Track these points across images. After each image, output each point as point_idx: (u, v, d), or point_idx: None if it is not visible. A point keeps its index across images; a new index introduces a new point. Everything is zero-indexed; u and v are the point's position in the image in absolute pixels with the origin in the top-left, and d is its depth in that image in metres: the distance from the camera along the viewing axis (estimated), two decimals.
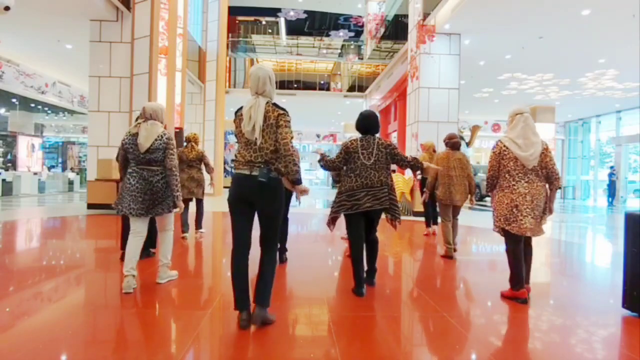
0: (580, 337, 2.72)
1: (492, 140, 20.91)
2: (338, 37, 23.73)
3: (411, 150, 10.32)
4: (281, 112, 2.54)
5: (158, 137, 3.32)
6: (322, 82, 21.26)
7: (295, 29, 23.56)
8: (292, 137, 2.55)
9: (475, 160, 21.97)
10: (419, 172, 6.79)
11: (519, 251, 3.33)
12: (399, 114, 13.98)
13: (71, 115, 18.23)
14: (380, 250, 3.77)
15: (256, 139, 2.50)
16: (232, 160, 2.66)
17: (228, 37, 17.58)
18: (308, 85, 20.36)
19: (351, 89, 19.58)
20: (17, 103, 15.03)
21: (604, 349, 2.55)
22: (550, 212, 3.33)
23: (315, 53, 22.14)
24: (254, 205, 2.58)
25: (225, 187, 16.38)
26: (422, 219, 7.35)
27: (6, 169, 14.51)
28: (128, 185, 3.32)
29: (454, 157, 4.97)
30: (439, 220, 5.43)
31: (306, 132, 26.55)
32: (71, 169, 19.55)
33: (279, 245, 3.64)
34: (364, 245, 3.55)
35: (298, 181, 2.58)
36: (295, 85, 19.84)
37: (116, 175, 8.27)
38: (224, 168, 18.13)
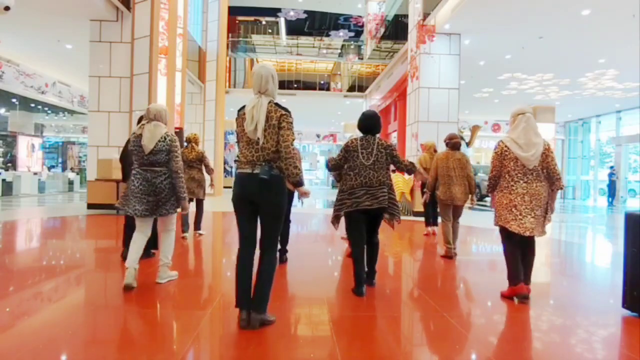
0: (580, 337, 2.72)
1: (492, 140, 20.91)
2: (338, 37, 23.74)
3: (411, 150, 10.32)
4: (284, 112, 2.55)
5: (161, 138, 3.34)
6: (322, 82, 21.26)
7: (295, 29, 23.56)
8: (293, 139, 2.57)
9: (475, 160, 21.96)
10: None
11: (514, 248, 3.35)
12: (399, 114, 13.98)
13: (71, 115, 18.23)
14: (380, 250, 3.77)
15: (258, 138, 2.51)
16: (235, 161, 2.68)
17: (228, 37, 17.58)
18: (308, 85, 20.36)
19: (351, 89, 19.58)
20: (17, 103, 15.03)
21: (604, 349, 2.55)
22: (552, 210, 3.34)
23: (315, 53, 22.14)
24: (256, 204, 2.58)
25: (225, 187, 16.38)
26: (422, 219, 7.35)
27: (6, 169, 14.51)
28: (132, 187, 3.35)
29: (453, 157, 4.98)
30: (439, 220, 5.45)
31: (306, 132, 26.54)
32: (71, 169, 19.54)
33: (279, 246, 3.65)
34: (365, 247, 3.56)
35: (299, 183, 2.60)
36: (295, 85, 19.84)
37: (116, 175, 8.30)
38: (224, 168, 18.13)
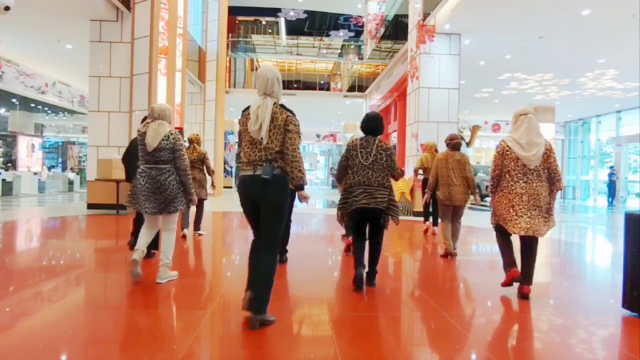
0: (580, 337, 2.72)
1: (492, 140, 20.91)
2: (338, 37, 23.73)
3: (411, 150, 10.32)
4: (289, 114, 2.59)
5: (165, 136, 3.39)
6: (322, 82, 21.27)
7: (295, 29, 23.55)
8: (299, 142, 2.63)
9: (475, 160, 21.95)
10: (421, 173, 6.87)
11: (506, 240, 3.52)
12: (399, 114, 13.98)
13: (71, 115, 18.22)
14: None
15: (262, 138, 2.53)
16: (238, 162, 2.71)
17: (228, 37, 17.58)
18: (308, 85, 20.36)
19: (351, 89, 19.58)
20: (17, 103, 15.02)
21: (604, 349, 2.55)
22: (552, 209, 3.38)
23: (315, 53, 22.14)
24: (259, 204, 2.59)
25: (225, 187, 16.39)
26: (422, 219, 7.36)
27: (6, 169, 14.50)
28: (139, 185, 3.44)
29: (453, 158, 4.98)
30: (440, 221, 5.46)
31: (306, 132, 26.53)
32: (71, 169, 19.54)
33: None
34: (368, 246, 3.62)
35: (301, 187, 2.65)
36: (295, 85, 19.83)
37: (116, 175, 8.30)
38: (224, 168, 18.13)
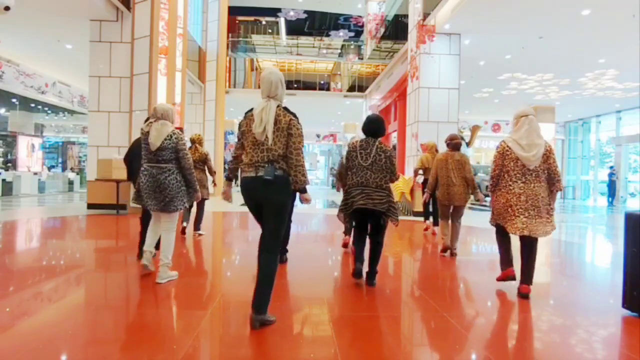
0: (580, 337, 2.72)
1: (492, 140, 20.90)
2: (338, 37, 23.73)
3: (411, 150, 10.32)
4: (292, 117, 2.66)
5: (168, 136, 3.47)
6: (322, 82, 21.25)
7: (295, 29, 23.54)
8: (302, 145, 2.70)
9: (475, 160, 21.95)
10: (420, 173, 6.90)
11: (504, 240, 3.60)
12: (399, 114, 13.98)
13: (71, 115, 18.21)
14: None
15: (266, 139, 2.58)
16: (238, 162, 2.76)
17: (228, 37, 17.57)
18: (308, 85, 20.36)
19: (351, 89, 19.57)
20: (17, 103, 15.02)
21: (604, 349, 2.55)
22: (552, 210, 3.40)
23: (315, 53, 22.13)
24: (261, 204, 2.64)
25: None
26: (422, 218, 7.36)
27: (6, 169, 14.50)
28: (141, 183, 3.56)
29: (452, 158, 4.99)
30: (439, 220, 5.48)
31: (306, 132, 26.31)
32: (71, 169, 19.53)
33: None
34: (369, 245, 3.66)
35: (304, 190, 2.72)
36: (295, 85, 19.82)
37: (116, 175, 8.30)
38: (224, 168, 18.13)
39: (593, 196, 19.60)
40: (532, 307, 3.21)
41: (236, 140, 2.82)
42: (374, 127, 3.67)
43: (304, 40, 22.35)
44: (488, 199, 4.73)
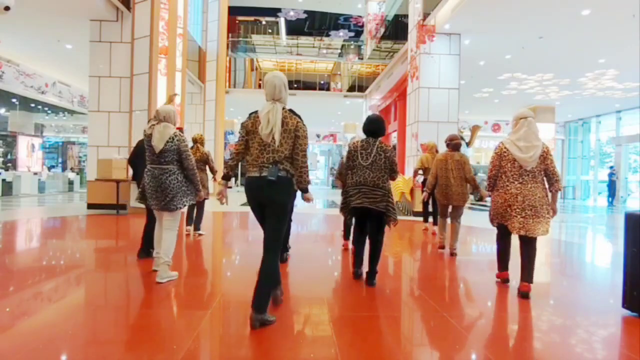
0: (580, 337, 2.72)
1: (492, 140, 20.89)
2: (338, 37, 23.73)
3: (411, 150, 10.32)
4: (299, 120, 2.72)
5: (170, 138, 3.55)
6: (322, 82, 21.26)
7: (295, 29, 23.54)
8: (307, 147, 2.75)
9: (475, 160, 21.95)
10: (420, 173, 6.90)
11: (504, 241, 3.67)
12: (399, 114, 13.98)
13: (71, 115, 18.21)
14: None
15: (273, 141, 2.61)
16: (239, 159, 2.81)
17: (228, 37, 17.57)
18: (308, 85, 20.36)
19: (351, 89, 19.57)
20: (17, 103, 15.01)
21: (604, 349, 2.55)
22: (554, 212, 3.43)
23: (315, 53, 22.13)
24: (264, 205, 2.66)
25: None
26: (422, 218, 7.37)
27: (6, 169, 14.50)
28: (144, 183, 3.66)
29: (452, 158, 5.00)
30: (438, 218, 5.51)
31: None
32: (71, 169, 19.53)
33: None
34: (369, 244, 3.69)
35: (306, 190, 2.81)
36: (295, 85, 19.83)
37: (116, 175, 8.31)
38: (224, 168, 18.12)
39: (593, 196, 19.60)
40: (532, 307, 3.21)
41: (236, 140, 2.84)
42: (374, 127, 3.71)
43: (304, 40, 22.35)
44: (488, 199, 4.74)
